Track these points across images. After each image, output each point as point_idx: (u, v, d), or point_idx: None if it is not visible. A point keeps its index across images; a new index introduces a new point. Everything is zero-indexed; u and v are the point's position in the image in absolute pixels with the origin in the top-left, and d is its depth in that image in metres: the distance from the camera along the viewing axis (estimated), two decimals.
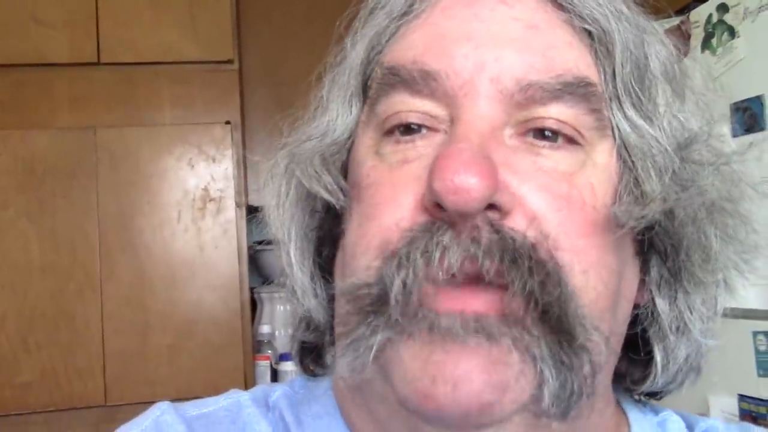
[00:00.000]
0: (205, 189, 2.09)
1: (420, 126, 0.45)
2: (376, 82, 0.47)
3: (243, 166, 2.12)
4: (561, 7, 0.46)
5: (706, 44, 1.58)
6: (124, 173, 2.06)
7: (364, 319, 0.41)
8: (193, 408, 0.54)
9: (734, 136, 1.46)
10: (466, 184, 0.38)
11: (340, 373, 0.43)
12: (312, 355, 0.54)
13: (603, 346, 0.43)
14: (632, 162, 0.45)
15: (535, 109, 0.44)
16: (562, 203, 0.42)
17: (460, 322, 0.39)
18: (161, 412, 0.53)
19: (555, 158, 0.44)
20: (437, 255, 0.39)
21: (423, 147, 0.44)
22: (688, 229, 0.45)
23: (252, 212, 2.14)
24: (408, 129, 0.45)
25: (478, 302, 0.40)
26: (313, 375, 0.55)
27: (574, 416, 0.42)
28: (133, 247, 2.05)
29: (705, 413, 1.51)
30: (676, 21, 1.61)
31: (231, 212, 2.10)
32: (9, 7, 2.05)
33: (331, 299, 0.50)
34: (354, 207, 0.46)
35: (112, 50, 2.09)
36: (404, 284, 0.40)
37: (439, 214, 0.41)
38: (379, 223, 0.43)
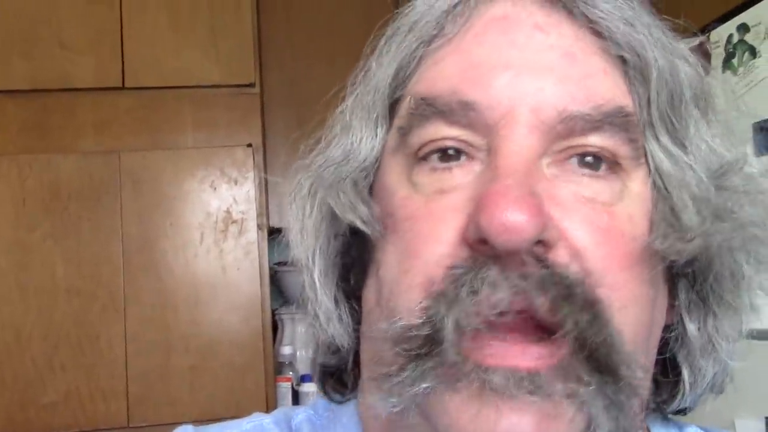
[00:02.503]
0: (227, 211, 2.11)
1: (459, 151, 0.44)
2: (409, 112, 0.46)
3: (264, 188, 2.13)
4: (597, 34, 0.45)
5: (726, 64, 1.57)
6: (147, 196, 2.08)
7: (408, 362, 0.40)
8: (216, 431, 0.54)
9: (757, 155, 1.44)
10: (516, 223, 0.38)
11: (378, 409, 0.42)
12: (333, 378, 0.54)
13: (647, 380, 0.42)
14: (667, 190, 0.44)
15: (574, 139, 0.43)
16: (603, 237, 0.42)
17: (513, 380, 0.38)
18: None
19: (595, 188, 0.43)
20: (485, 292, 0.39)
21: (461, 176, 0.43)
22: (721, 257, 0.44)
23: (273, 234, 2.15)
24: (445, 155, 0.44)
25: (528, 357, 0.39)
26: (334, 399, 0.54)
27: None
28: (156, 268, 2.06)
29: None
30: (696, 41, 1.61)
31: (253, 234, 2.11)
32: (35, 33, 2.08)
33: (357, 323, 0.50)
34: (389, 238, 0.45)
35: (136, 75, 2.12)
36: (456, 324, 0.39)
37: (483, 249, 0.40)
38: (422, 261, 0.42)
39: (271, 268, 2.17)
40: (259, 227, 2.11)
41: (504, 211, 0.38)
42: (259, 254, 2.10)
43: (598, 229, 0.42)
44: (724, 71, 1.58)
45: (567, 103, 0.42)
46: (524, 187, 0.39)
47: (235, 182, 2.12)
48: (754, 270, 0.46)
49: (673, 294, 0.47)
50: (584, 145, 0.43)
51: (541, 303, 0.39)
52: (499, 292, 0.39)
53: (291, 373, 2.23)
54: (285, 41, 2.34)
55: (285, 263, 2.26)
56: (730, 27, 1.57)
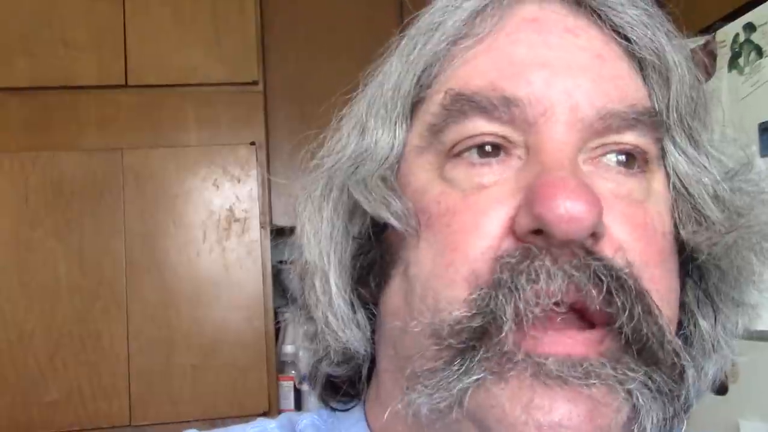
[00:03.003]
0: (230, 209, 2.11)
1: (498, 147, 0.44)
2: (443, 109, 0.45)
3: (267, 186, 2.13)
4: (619, 38, 0.46)
5: (732, 64, 1.57)
6: (150, 194, 2.08)
7: (456, 356, 0.40)
8: None
9: (762, 156, 1.44)
10: (578, 213, 0.38)
11: (415, 410, 0.41)
12: (339, 390, 0.53)
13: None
14: (686, 190, 0.45)
15: (610, 136, 0.44)
16: (640, 233, 0.42)
17: (567, 366, 0.38)
18: None
19: (629, 185, 0.44)
20: (543, 281, 0.39)
21: (500, 171, 0.43)
22: (736, 254, 0.45)
23: (277, 232, 2.15)
24: (483, 152, 0.44)
25: (578, 343, 0.40)
26: (336, 408, 0.53)
27: None
28: (159, 267, 2.06)
29: None
30: (702, 40, 1.60)
31: (256, 232, 2.11)
32: (38, 30, 2.08)
33: (374, 331, 0.49)
34: (423, 235, 0.44)
35: (139, 73, 2.12)
36: (517, 313, 0.39)
37: (534, 240, 0.40)
38: (464, 254, 0.41)
39: (274, 267, 2.17)
40: (262, 226, 2.11)
41: (566, 199, 0.38)
42: (261, 253, 2.10)
43: (635, 225, 0.42)
44: (730, 71, 1.57)
45: (605, 101, 0.43)
46: (579, 178, 0.40)
47: (238, 180, 2.12)
48: (762, 267, 0.47)
49: (682, 293, 0.48)
50: (620, 142, 0.44)
51: (595, 294, 0.39)
52: (555, 282, 0.39)
53: (293, 372, 2.23)
54: (288, 39, 2.33)
55: (287, 262, 2.26)
56: (736, 26, 1.57)
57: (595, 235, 0.40)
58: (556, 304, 0.39)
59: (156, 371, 2.03)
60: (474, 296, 0.40)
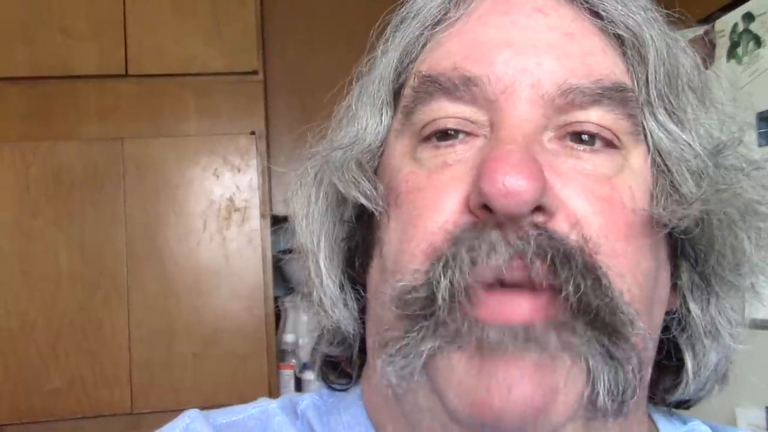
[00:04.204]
0: (230, 199, 2.11)
1: (458, 131, 0.45)
2: (413, 91, 0.47)
3: (267, 175, 2.13)
4: (596, 15, 0.47)
5: (731, 53, 1.57)
6: (150, 183, 2.08)
7: (413, 325, 0.41)
8: (223, 416, 0.54)
9: (760, 145, 1.44)
10: (516, 187, 0.38)
11: (387, 380, 0.43)
12: (337, 368, 0.54)
13: (647, 341, 0.43)
14: (666, 166, 0.45)
15: (574, 113, 0.44)
16: (603, 206, 0.43)
17: (508, 334, 0.39)
18: (191, 419, 0.53)
19: (595, 162, 0.44)
20: (484, 253, 0.40)
21: (463, 151, 0.44)
22: (722, 232, 0.45)
23: (277, 222, 2.15)
24: (446, 135, 0.45)
25: (524, 309, 0.40)
26: (335, 388, 0.55)
27: (627, 413, 0.42)
28: (160, 256, 2.07)
29: (733, 425, 1.49)
30: (701, 30, 1.60)
31: (256, 222, 2.11)
32: (37, 19, 2.08)
33: (362, 310, 0.50)
34: (393, 213, 0.46)
35: (139, 62, 2.12)
36: (451, 283, 0.40)
37: (484, 215, 0.41)
38: (424, 228, 0.43)
39: (274, 256, 2.17)
40: (262, 215, 2.11)
41: (505, 174, 0.39)
42: (262, 242, 2.11)
43: (597, 199, 0.43)
44: (728, 60, 1.57)
45: (567, 77, 0.44)
46: (525, 152, 0.40)
47: (238, 170, 2.12)
48: (756, 248, 0.46)
49: (675, 275, 0.48)
50: (583, 121, 0.44)
51: (540, 267, 0.39)
52: (498, 254, 0.40)
53: (294, 360, 2.24)
54: (288, 28, 2.33)
55: (288, 251, 2.27)
56: (735, 16, 1.57)
57: (546, 210, 0.41)
58: (500, 282, 0.40)
59: (157, 360, 2.04)
60: (425, 267, 0.42)
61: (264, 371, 2.09)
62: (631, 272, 0.43)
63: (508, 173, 0.39)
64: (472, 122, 0.45)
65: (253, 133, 2.15)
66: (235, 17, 2.17)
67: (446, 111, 0.45)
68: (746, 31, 1.53)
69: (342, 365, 0.54)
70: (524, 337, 0.39)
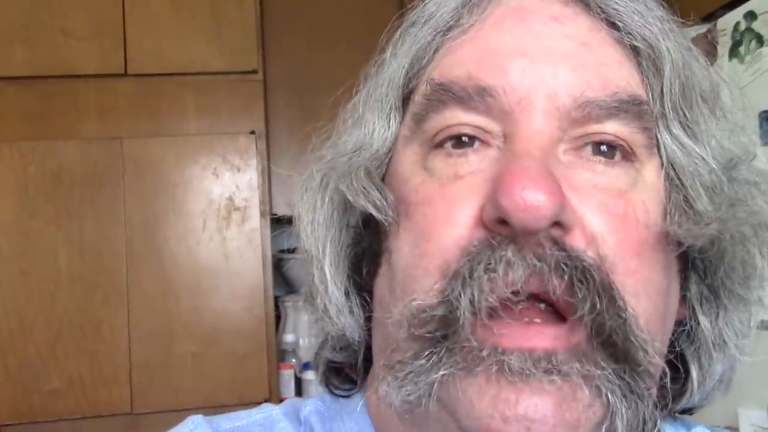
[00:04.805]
0: (230, 198, 2.11)
1: (473, 138, 0.44)
2: (425, 98, 0.46)
3: (267, 175, 2.13)
4: (612, 26, 0.46)
5: (733, 52, 1.56)
6: (150, 183, 2.08)
7: (424, 348, 0.40)
8: (226, 422, 0.54)
9: (763, 144, 1.44)
10: (535, 201, 0.38)
11: (392, 401, 0.42)
12: (341, 374, 0.54)
13: (663, 368, 0.43)
14: (680, 181, 0.44)
15: (590, 125, 0.43)
16: (618, 223, 0.42)
17: (531, 361, 0.38)
18: (195, 425, 0.52)
19: (610, 175, 0.43)
20: (501, 270, 0.39)
21: (476, 162, 0.43)
22: (734, 247, 0.44)
23: (276, 221, 2.15)
24: (459, 142, 0.44)
25: (545, 337, 0.39)
26: (338, 394, 0.54)
27: None
28: (159, 255, 2.07)
29: (735, 426, 1.49)
30: (703, 29, 1.60)
31: (255, 221, 2.11)
32: (37, 20, 2.07)
33: (368, 318, 0.50)
34: (403, 224, 0.45)
35: (139, 61, 2.11)
36: (471, 303, 0.39)
37: (500, 230, 0.40)
38: (437, 243, 0.42)
39: (274, 256, 2.17)
40: (262, 214, 2.11)
41: (524, 189, 0.38)
42: (261, 242, 2.10)
43: (613, 216, 0.42)
44: (730, 60, 1.56)
45: (583, 89, 0.43)
46: (543, 167, 0.40)
47: (238, 169, 2.12)
48: (766, 261, 0.46)
49: (684, 287, 0.48)
50: (600, 132, 0.43)
51: (557, 285, 0.39)
52: (515, 271, 0.39)
53: (294, 360, 2.24)
54: (288, 28, 2.33)
55: (288, 251, 2.27)
56: (737, 15, 1.56)
57: (563, 226, 0.40)
58: (516, 293, 0.39)
59: (156, 360, 2.04)
60: (440, 285, 0.41)
61: (264, 371, 2.09)
62: (645, 290, 0.42)
63: (527, 187, 0.38)
64: (486, 131, 0.44)
65: (252, 132, 2.14)
66: (234, 16, 2.17)
67: (460, 119, 0.44)
68: (748, 29, 1.53)
69: (346, 371, 0.54)
70: (547, 363, 0.38)
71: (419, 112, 0.46)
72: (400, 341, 0.42)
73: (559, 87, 0.43)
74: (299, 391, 2.22)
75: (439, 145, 0.45)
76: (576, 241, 0.40)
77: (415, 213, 0.44)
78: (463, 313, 0.39)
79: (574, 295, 0.39)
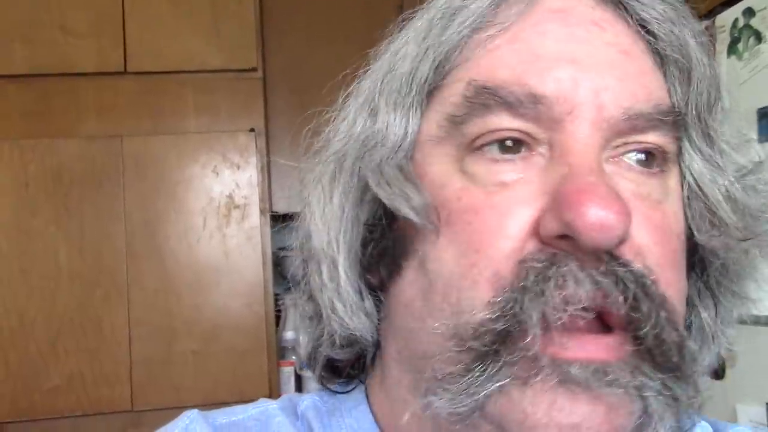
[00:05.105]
0: (230, 196, 2.11)
1: (521, 143, 0.43)
2: (467, 100, 0.43)
3: (267, 172, 2.14)
4: (649, 33, 0.45)
5: (731, 49, 1.56)
6: (150, 181, 2.08)
7: (476, 360, 0.40)
8: (222, 416, 0.54)
9: (761, 141, 1.44)
10: (607, 221, 0.37)
11: (441, 413, 0.41)
12: (339, 371, 0.53)
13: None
14: (700, 189, 0.45)
15: (633, 136, 0.43)
16: (659, 235, 0.42)
17: (590, 371, 0.38)
18: (190, 420, 0.52)
19: (649, 185, 0.43)
20: (570, 287, 0.39)
21: (523, 169, 0.42)
22: (744, 252, 0.45)
23: (276, 219, 2.15)
24: (504, 147, 0.43)
25: (601, 348, 0.39)
26: (336, 390, 0.54)
27: None
28: (159, 253, 2.07)
29: (733, 422, 1.49)
30: (701, 25, 1.59)
31: (255, 219, 2.11)
32: (36, 17, 2.08)
33: (381, 319, 0.49)
34: (442, 231, 0.43)
35: (138, 59, 2.11)
36: (542, 318, 0.38)
37: (559, 244, 0.40)
38: (488, 255, 0.41)
39: (274, 253, 2.17)
40: (262, 212, 2.11)
41: (597, 207, 0.38)
42: (261, 239, 2.11)
43: (654, 227, 0.42)
44: (729, 56, 1.57)
45: (632, 101, 0.42)
46: (609, 185, 0.40)
47: (238, 167, 2.12)
48: (765, 263, 0.47)
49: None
50: (643, 141, 0.43)
51: (622, 300, 0.39)
52: (584, 287, 0.39)
53: (294, 357, 2.24)
54: (287, 25, 2.33)
55: (287, 248, 2.27)
56: (735, 11, 1.56)
57: (620, 241, 0.40)
58: (583, 309, 0.39)
59: (157, 357, 2.04)
60: (498, 299, 0.40)
61: (264, 368, 2.09)
62: (680, 299, 0.43)
63: (600, 206, 0.38)
64: (531, 137, 0.43)
65: (252, 130, 2.14)
66: (234, 14, 2.17)
67: (506, 125, 0.43)
68: (747, 26, 1.53)
69: (346, 368, 0.53)
70: (604, 374, 0.38)
71: (458, 115, 0.44)
72: (446, 353, 0.41)
73: (607, 97, 0.42)
74: (299, 388, 2.23)
75: (479, 148, 0.43)
76: (626, 253, 0.40)
77: (459, 221, 0.42)
78: (535, 329, 0.38)
79: (637, 311, 0.39)
